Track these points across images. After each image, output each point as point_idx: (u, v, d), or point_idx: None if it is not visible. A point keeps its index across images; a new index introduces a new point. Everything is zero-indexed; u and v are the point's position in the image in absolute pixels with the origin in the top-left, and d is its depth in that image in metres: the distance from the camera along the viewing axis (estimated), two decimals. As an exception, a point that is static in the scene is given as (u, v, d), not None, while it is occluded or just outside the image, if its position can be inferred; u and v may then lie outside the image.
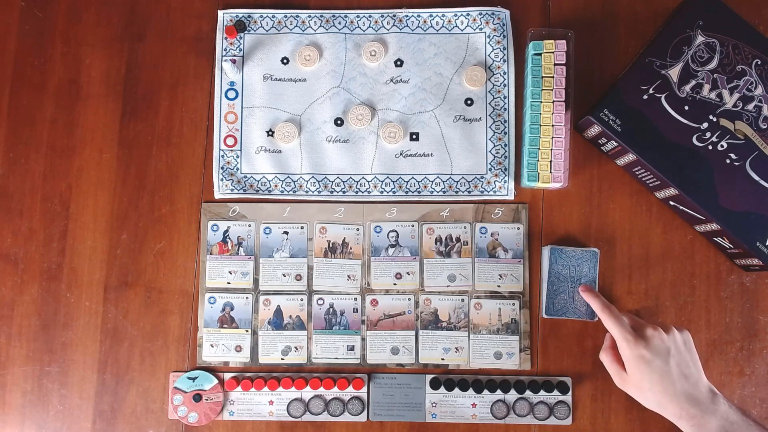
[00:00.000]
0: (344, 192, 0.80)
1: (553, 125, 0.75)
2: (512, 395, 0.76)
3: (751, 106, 0.73)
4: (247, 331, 0.78)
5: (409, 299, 0.78)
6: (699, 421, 0.62)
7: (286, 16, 0.82)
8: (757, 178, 0.72)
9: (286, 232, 0.79)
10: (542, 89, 0.76)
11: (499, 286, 0.78)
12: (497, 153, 0.80)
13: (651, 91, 0.74)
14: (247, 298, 0.79)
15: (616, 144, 0.75)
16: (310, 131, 0.81)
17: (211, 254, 0.79)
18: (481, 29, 0.81)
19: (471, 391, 0.76)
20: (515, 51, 0.81)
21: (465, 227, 0.79)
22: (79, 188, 0.80)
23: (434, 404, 0.77)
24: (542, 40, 0.76)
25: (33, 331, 0.78)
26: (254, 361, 0.78)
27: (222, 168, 0.80)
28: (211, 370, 0.78)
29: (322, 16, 0.82)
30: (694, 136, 0.73)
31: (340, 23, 0.82)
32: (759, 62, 0.74)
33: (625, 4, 0.82)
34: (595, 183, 0.79)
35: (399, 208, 0.80)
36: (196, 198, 0.80)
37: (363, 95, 0.81)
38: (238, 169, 0.80)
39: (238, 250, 0.79)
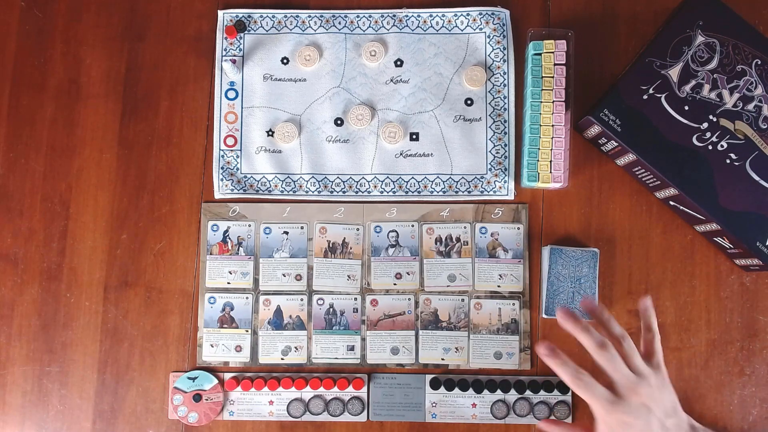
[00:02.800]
0: (344, 192, 0.80)
1: (553, 125, 0.75)
2: (512, 395, 0.76)
3: (751, 106, 0.73)
4: (247, 331, 0.78)
5: (409, 299, 0.78)
6: None
7: (286, 16, 0.82)
8: (757, 178, 0.72)
9: (286, 232, 0.79)
10: (542, 89, 0.76)
11: (499, 286, 0.78)
12: (497, 153, 0.80)
13: (651, 91, 0.74)
14: (247, 298, 0.79)
15: (616, 144, 0.75)
16: (310, 131, 0.81)
17: (211, 254, 0.79)
18: (481, 29, 0.81)
19: (471, 391, 0.76)
20: (515, 51, 0.81)
21: (465, 227, 0.79)
22: (79, 188, 0.80)
23: (434, 404, 0.77)
24: (542, 40, 0.76)
25: (33, 331, 0.78)
26: (254, 361, 0.78)
27: (222, 168, 0.80)
28: (211, 370, 0.78)
29: (322, 16, 0.82)
30: (694, 136, 0.73)
31: (340, 23, 0.82)
32: (759, 62, 0.74)
33: (625, 4, 0.82)
34: (595, 183, 0.79)
35: (399, 208, 0.80)
36: (196, 198, 0.80)
37: (363, 95, 0.81)
38: (238, 169, 0.80)
39: (238, 250, 0.79)
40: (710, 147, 0.73)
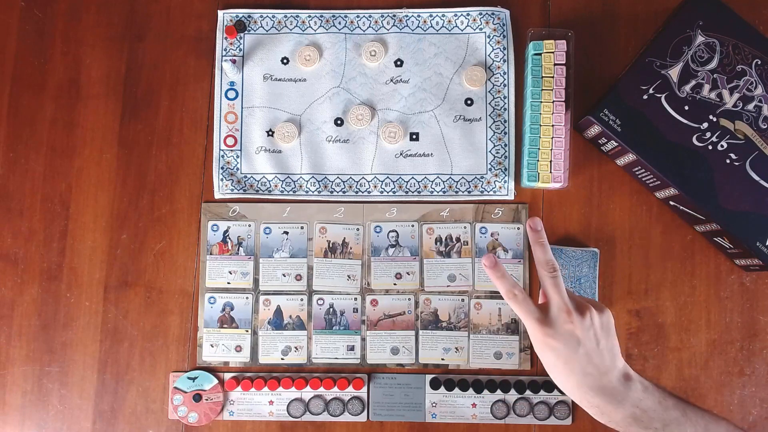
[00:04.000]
0: (344, 192, 0.80)
1: (553, 125, 0.75)
2: (512, 395, 0.76)
3: (751, 106, 0.73)
4: (247, 331, 0.78)
5: (409, 299, 0.78)
6: (602, 410, 0.56)
7: (286, 16, 0.82)
8: (757, 178, 0.72)
9: (286, 232, 0.79)
10: (542, 89, 0.76)
11: (499, 286, 0.78)
12: (497, 153, 0.80)
13: (651, 91, 0.74)
14: (247, 298, 0.79)
15: (616, 144, 0.75)
16: (310, 131, 0.81)
17: (211, 254, 0.79)
18: (481, 29, 0.81)
19: (471, 391, 0.76)
20: (515, 51, 0.81)
21: (465, 227, 0.79)
22: (79, 188, 0.80)
23: (434, 404, 0.77)
24: (542, 40, 0.76)
25: (33, 331, 0.78)
26: (254, 361, 0.78)
27: (222, 168, 0.80)
28: (211, 370, 0.78)
29: (322, 16, 0.82)
30: (694, 136, 0.73)
31: (340, 23, 0.82)
32: (759, 62, 0.74)
33: (625, 4, 0.82)
34: (595, 183, 0.79)
35: (399, 208, 0.80)
36: (196, 198, 0.80)
37: (363, 95, 0.81)
38: (238, 169, 0.80)
39: (238, 250, 0.79)
40: (710, 147, 0.73)
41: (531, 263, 0.78)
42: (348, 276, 0.79)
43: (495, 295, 0.78)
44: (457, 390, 0.76)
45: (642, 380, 0.57)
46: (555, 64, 0.76)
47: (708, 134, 0.73)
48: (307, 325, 0.78)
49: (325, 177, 0.80)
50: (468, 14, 0.81)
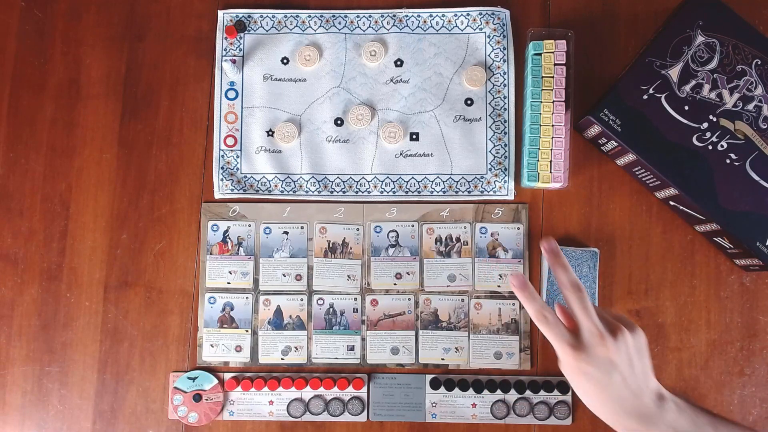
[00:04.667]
0: (344, 192, 0.80)
1: (553, 125, 0.75)
2: (512, 395, 0.76)
3: (751, 106, 0.73)
4: (247, 331, 0.78)
5: (409, 299, 0.78)
6: None
7: (286, 16, 0.82)
8: (757, 178, 0.72)
9: (286, 232, 0.79)
10: (542, 89, 0.76)
11: (499, 286, 0.78)
12: (497, 153, 0.80)
13: (651, 91, 0.74)
14: (247, 298, 0.79)
15: (616, 144, 0.75)
16: (310, 131, 0.81)
17: (211, 254, 0.79)
18: (481, 29, 0.81)
19: (471, 391, 0.76)
20: (515, 51, 0.81)
21: (465, 227, 0.79)
22: (79, 188, 0.80)
23: (434, 404, 0.77)
24: (542, 40, 0.76)
25: (33, 331, 0.78)
26: (254, 361, 0.78)
27: (222, 168, 0.80)
28: (211, 370, 0.78)
29: (322, 16, 0.82)
30: (694, 136, 0.73)
31: (340, 23, 0.82)
32: (759, 62, 0.74)
33: (625, 4, 0.82)
34: (595, 183, 0.79)
35: (399, 208, 0.80)
36: (196, 198, 0.80)
37: (363, 95, 0.81)
38: (238, 169, 0.80)
39: (238, 250, 0.79)
40: (710, 147, 0.73)
41: (531, 263, 0.78)
42: (348, 276, 0.79)
43: (495, 295, 0.78)
44: (457, 390, 0.76)
45: (674, 398, 0.56)
46: (555, 64, 0.76)
47: (708, 134, 0.73)
48: (307, 325, 0.78)
49: (325, 177, 0.80)
50: (468, 14, 0.81)
